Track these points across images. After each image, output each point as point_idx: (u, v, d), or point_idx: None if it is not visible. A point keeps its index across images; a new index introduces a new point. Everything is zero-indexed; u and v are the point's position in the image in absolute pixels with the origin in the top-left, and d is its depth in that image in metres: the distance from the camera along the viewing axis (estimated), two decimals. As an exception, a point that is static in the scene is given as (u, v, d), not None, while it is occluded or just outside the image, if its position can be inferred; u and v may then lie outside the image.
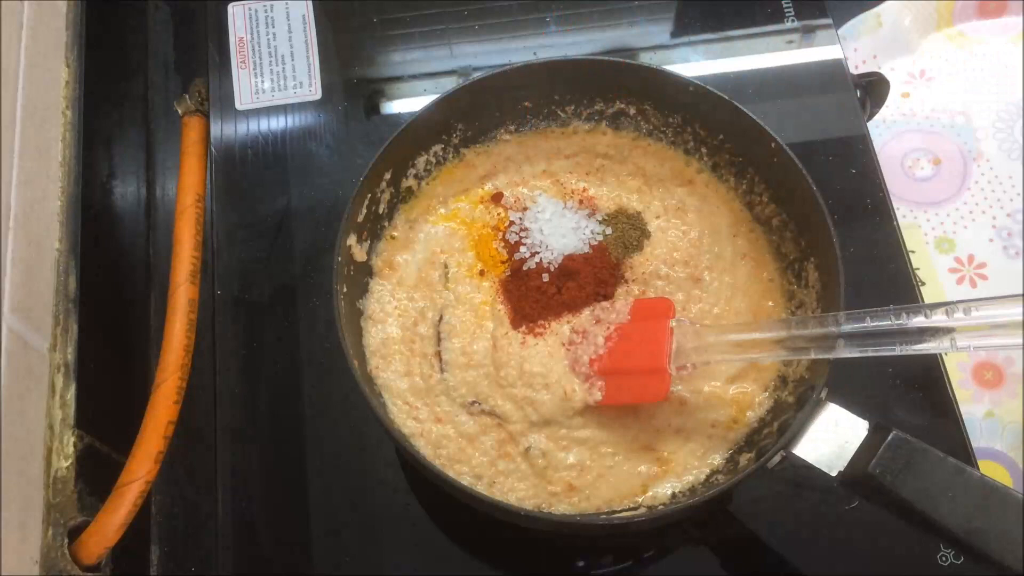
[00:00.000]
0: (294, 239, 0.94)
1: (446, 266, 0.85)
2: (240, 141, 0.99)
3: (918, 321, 0.60)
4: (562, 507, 0.75)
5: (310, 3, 1.07)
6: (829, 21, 1.05)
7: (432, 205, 0.88)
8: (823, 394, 0.68)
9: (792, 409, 0.73)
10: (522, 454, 0.77)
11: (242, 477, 0.83)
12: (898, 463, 0.62)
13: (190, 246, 0.88)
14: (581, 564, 0.81)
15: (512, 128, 0.90)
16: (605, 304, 0.81)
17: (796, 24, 1.05)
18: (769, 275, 0.84)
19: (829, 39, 1.05)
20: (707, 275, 0.84)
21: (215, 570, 0.81)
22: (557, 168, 0.90)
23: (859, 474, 0.64)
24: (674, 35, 1.07)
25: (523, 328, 0.81)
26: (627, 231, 0.85)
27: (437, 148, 0.87)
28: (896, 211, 0.94)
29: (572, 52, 1.06)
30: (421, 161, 0.86)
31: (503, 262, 0.85)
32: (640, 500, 0.76)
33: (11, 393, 0.70)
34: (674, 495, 0.76)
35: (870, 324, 0.62)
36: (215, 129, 0.99)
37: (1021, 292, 0.58)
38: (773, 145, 0.79)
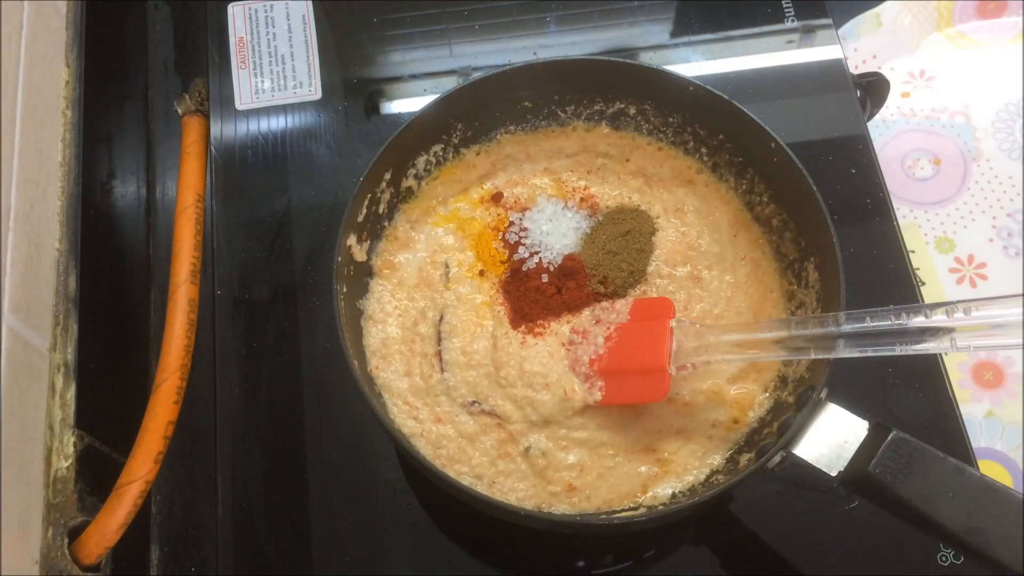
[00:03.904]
0: (294, 239, 0.94)
1: (446, 266, 0.85)
2: (240, 141, 0.99)
3: (918, 321, 0.60)
4: (562, 507, 0.75)
5: (310, 3, 1.07)
6: (829, 21, 1.05)
7: (432, 205, 0.88)
8: (823, 394, 0.68)
9: (792, 409, 0.73)
10: (522, 454, 0.77)
11: (242, 477, 0.83)
12: (898, 463, 0.62)
13: (190, 246, 0.88)
14: (581, 564, 0.81)
15: (512, 128, 0.90)
16: (605, 304, 0.81)
17: (796, 24, 1.05)
18: (769, 275, 0.83)
19: (829, 39, 1.05)
20: (707, 275, 0.84)
21: (215, 570, 0.81)
22: (558, 167, 0.90)
23: (859, 474, 0.64)
24: (674, 35, 1.07)
25: (523, 328, 0.81)
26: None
27: (437, 148, 0.87)
28: (896, 211, 0.94)
29: (572, 52, 1.06)
30: (421, 161, 0.86)
31: (503, 262, 0.85)
32: (640, 500, 0.76)
33: (11, 393, 0.70)
34: (674, 495, 0.76)
35: (870, 324, 0.62)
36: (215, 129, 0.99)
37: (1021, 292, 0.58)
38: (773, 145, 0.79)
